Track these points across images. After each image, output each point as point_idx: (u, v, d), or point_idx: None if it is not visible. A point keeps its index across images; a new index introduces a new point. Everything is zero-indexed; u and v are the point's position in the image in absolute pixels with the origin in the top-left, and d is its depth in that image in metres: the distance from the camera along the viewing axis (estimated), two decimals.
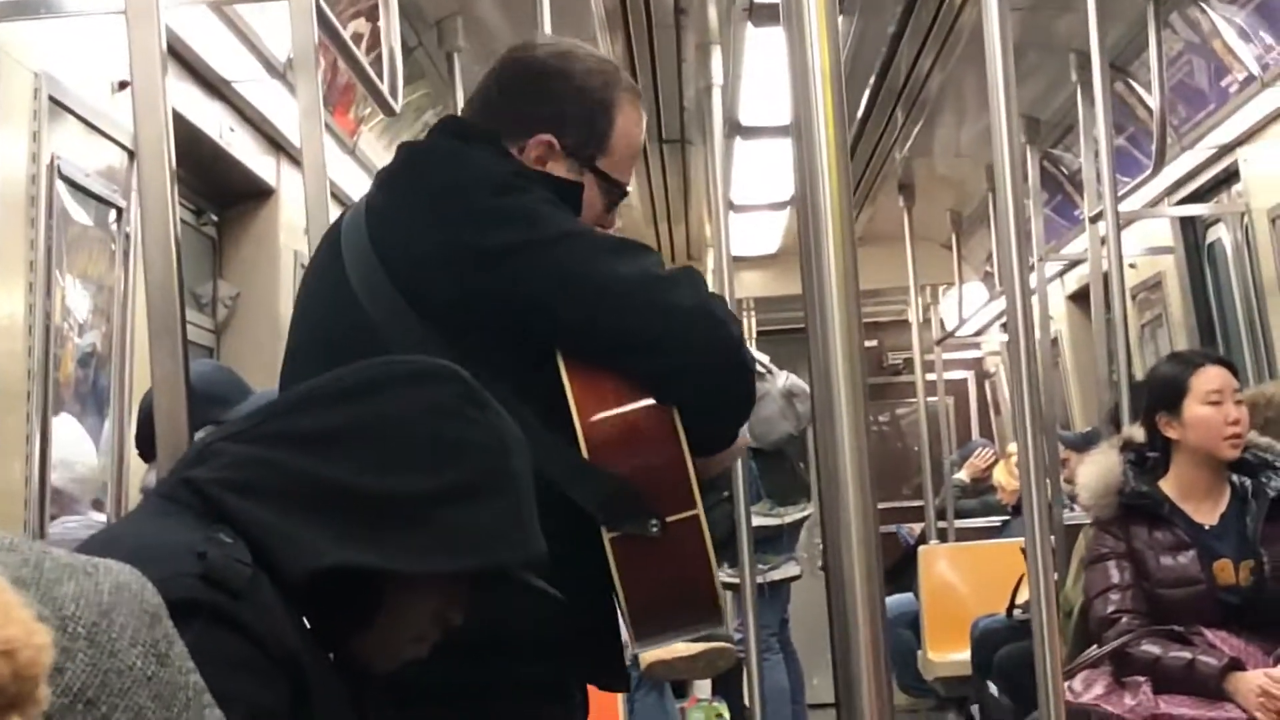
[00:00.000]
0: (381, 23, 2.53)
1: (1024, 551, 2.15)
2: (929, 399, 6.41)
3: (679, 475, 1.40)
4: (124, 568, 0.81)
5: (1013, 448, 4.66)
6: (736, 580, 3.05)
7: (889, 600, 4.56)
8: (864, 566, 0.88)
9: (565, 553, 1.18)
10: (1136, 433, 2.77)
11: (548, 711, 1.44)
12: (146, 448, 2.16)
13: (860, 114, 4.54)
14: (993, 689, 4.01)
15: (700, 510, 1.41)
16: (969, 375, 8.21)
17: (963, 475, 6.39)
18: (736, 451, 1.65)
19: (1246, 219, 3.81)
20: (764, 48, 3.69)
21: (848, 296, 0.88)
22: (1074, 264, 4.96)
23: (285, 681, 1.05)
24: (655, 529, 1.37)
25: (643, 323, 1.40)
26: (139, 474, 2.40)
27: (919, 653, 5.22)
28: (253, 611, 1.05)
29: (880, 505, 0.95)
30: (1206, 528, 2.56)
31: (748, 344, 2.57)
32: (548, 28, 2.57)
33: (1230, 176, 3.87)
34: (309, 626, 1.13)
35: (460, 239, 1.40)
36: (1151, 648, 2.45)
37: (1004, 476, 5.60)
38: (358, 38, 2.69)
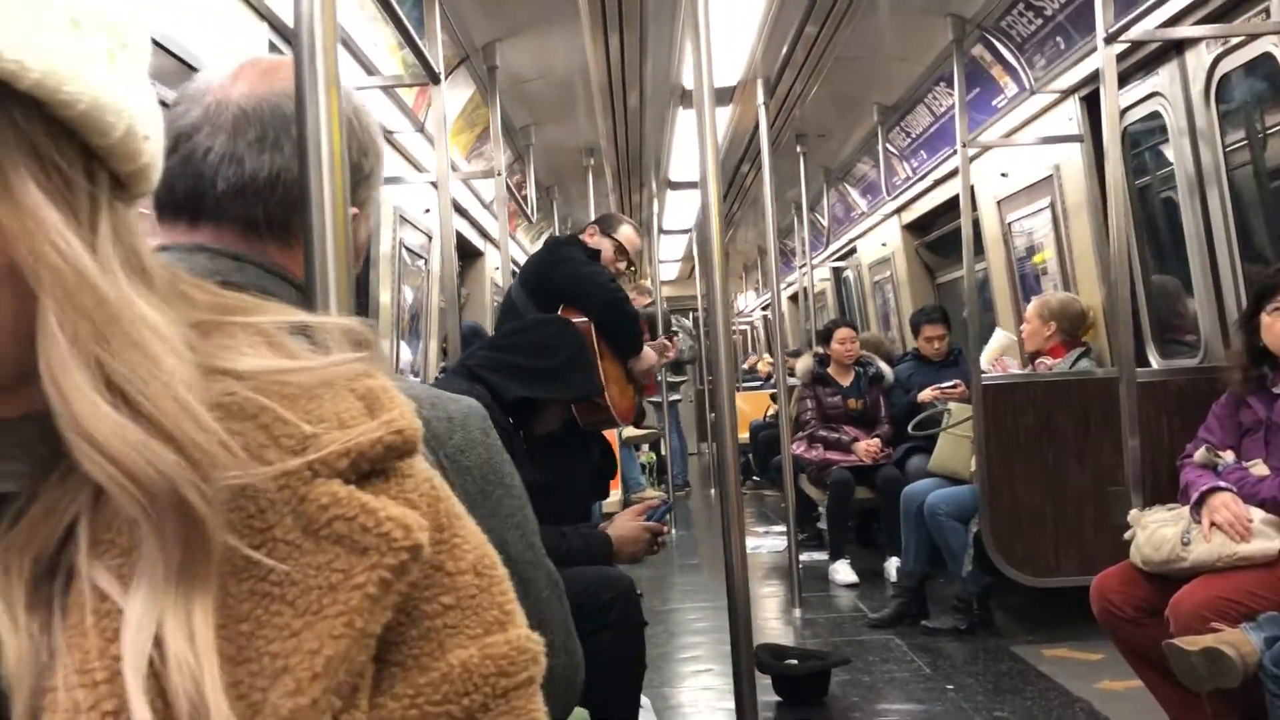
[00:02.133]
0: (529, 175, 6.16)
1: (772, 396, 6.02)
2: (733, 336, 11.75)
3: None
4: (471, 400, 1.16)
5: (766, 356, 9.73)
6: (659, 399, 7.06)
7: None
8: (729, 403, 2.51)
9: None
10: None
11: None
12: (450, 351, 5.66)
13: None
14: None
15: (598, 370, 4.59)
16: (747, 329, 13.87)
17: (744, 366, 11.92)
18: (654, 365, 4.98)
19: (859, 268, 8.12)
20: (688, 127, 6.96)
21: (725, 293, 4.37)
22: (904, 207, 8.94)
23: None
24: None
25: (586, 291, 3.53)
26: (434, 365, 5.94)
27: None
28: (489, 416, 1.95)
29: None
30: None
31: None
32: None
33: (852, 252, 8.22)
34: (512, 421, 2.64)
35: (542, 260, 3.81)
36: (822, 432, 6.33)
37: (763, 366, 10.81)
38: (519, 184, 6.30)
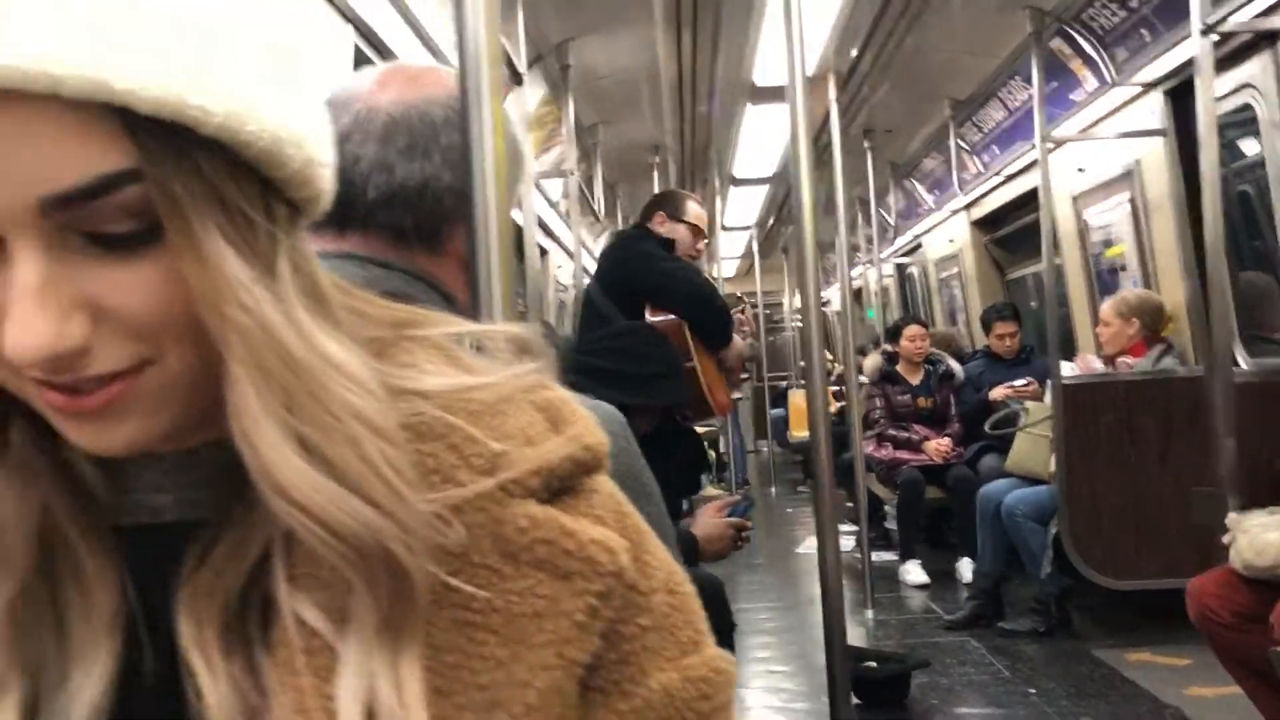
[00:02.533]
0: (596, 174, 6.16)
1: (835, 394, 6.00)
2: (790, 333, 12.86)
3: (685, 347, 3.93)
4: (609, 405, 1.08)
5: (828, 354, 10.19)
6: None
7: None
8: (821, 402, 2.58)
9: None
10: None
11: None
12: None
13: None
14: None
15: (697, 364, 3.68)
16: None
17: (802, 364, 12.55)
18: (738, 356, 4.91)
19: (925, 265, 8.00)
20: (756, 122, 6.65)
21: (816, 289, 4.33)
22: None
23: None
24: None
25: (672, 286, 3.40)
26: None
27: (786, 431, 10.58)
28: None
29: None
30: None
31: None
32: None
33: (916, 248, 8.10)
34: None
35: (617, 256, 3.67)
36: (891, 431, 6.26)
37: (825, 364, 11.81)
38: (587, 183, 6.31)
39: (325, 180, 0.57)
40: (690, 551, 2.84)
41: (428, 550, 0.53)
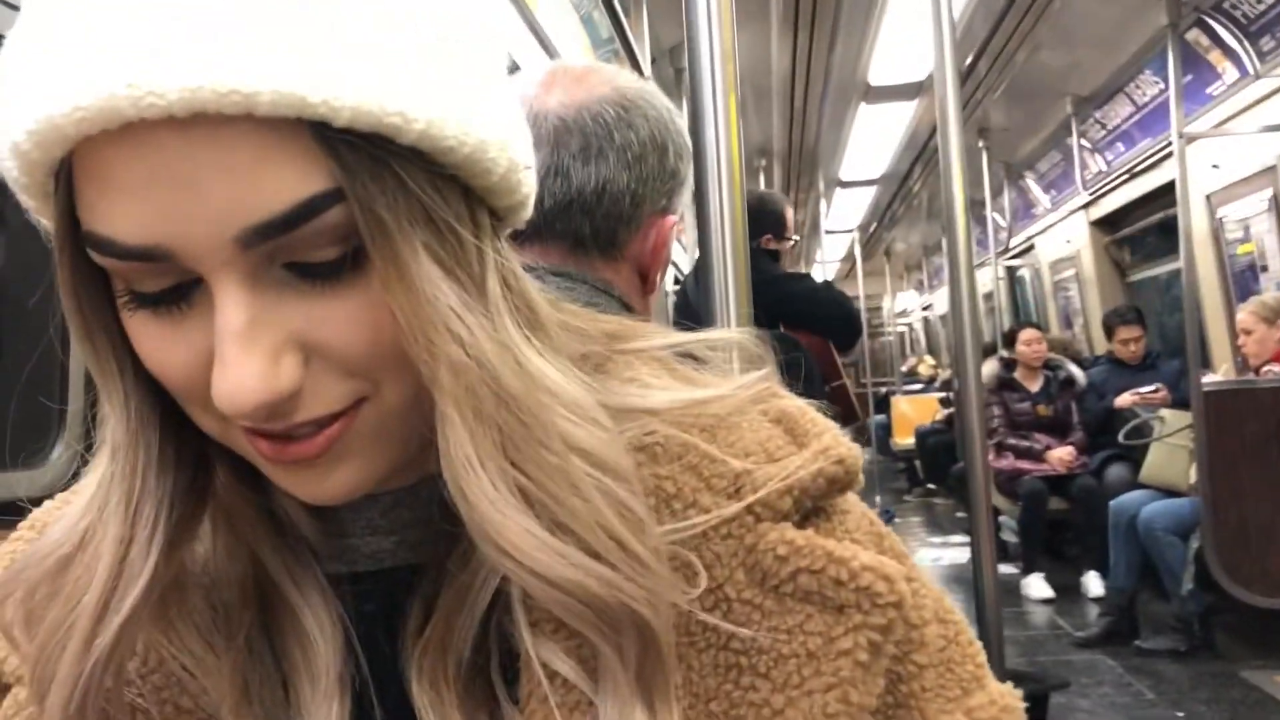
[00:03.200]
0: None
1: (942, 401, 5.81)
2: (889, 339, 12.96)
3: (835, 368, 3.98)
4: None
5: (927, 359, 10.15)
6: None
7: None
8: (978, 414, 3.03)
9: None
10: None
11: None
12: None
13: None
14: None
15: (846, 380, 4.30)
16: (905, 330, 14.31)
17: (904, 369, 12.89)
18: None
19: (1038, 267, 7.80)
20: (866, 123, 6.55)
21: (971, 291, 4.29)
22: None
23: None
24: (828, 389, 4.10)
25: (818, 309, 3.48)
26: None
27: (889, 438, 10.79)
28: None
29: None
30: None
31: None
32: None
33: (1028, 250, 7.88)
34: None
35: (760, 292, 4.61)
36: (1011, 440, 6.07)
37: (924, 369, 11.55)
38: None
39: (529, 185, 0.51)
40: None
41: (676, 596, 0.48)
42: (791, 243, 4.05)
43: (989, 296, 10.36)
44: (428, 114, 0.42)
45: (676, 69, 4.65)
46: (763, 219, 3.89)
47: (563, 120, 1.01)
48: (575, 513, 0.45)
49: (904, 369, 13.61)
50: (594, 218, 1.01)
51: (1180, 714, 3.86)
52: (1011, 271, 9.36)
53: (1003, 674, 2.82)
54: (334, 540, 0.53)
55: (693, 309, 3.72)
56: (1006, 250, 9.06)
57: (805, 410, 0.57)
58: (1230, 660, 4.42)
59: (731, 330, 0.63)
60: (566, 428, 0.47)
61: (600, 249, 1.03)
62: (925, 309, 15.17)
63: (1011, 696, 0.57)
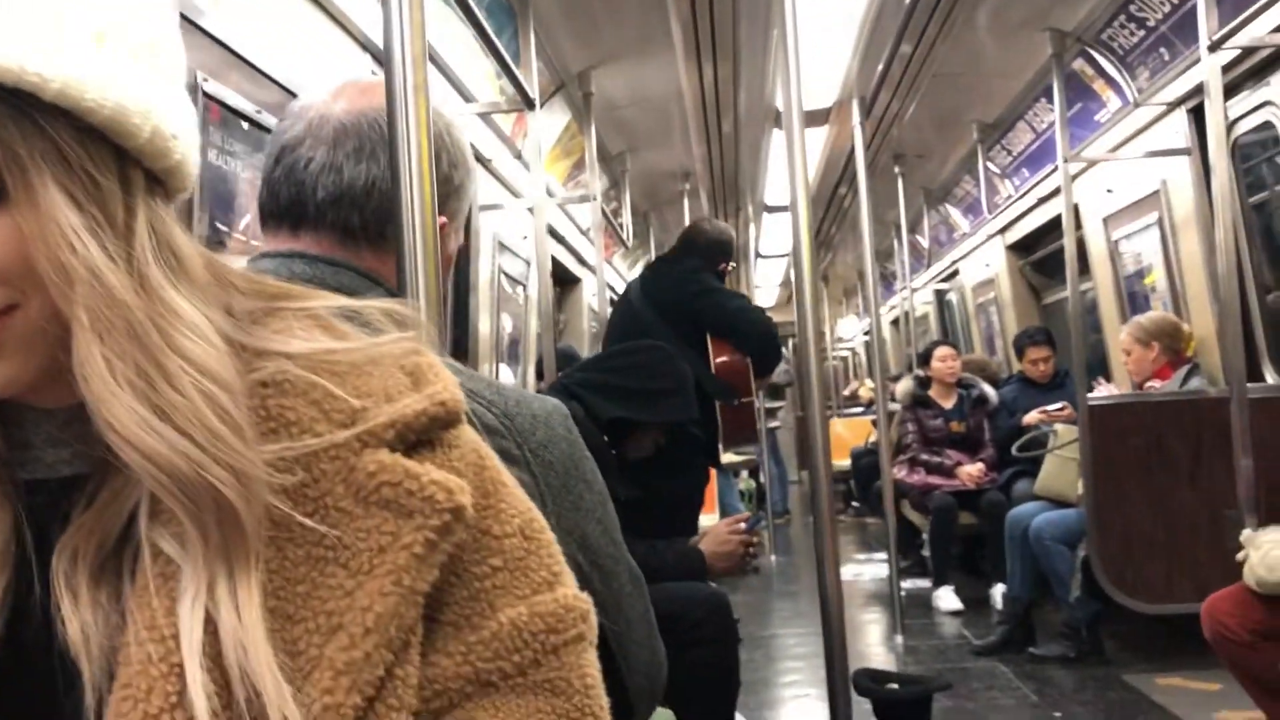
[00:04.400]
0: (624, 201, 6.23)
1: (874, 422, 5.95)
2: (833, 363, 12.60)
3: (747, 386, 4.00)
4: (555, 400, 1.21)
5: (867, 382, 9.84)
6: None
7: None
8: (821, 428, 2.43)
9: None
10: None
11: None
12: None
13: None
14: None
15: (755, 400, 4.28)
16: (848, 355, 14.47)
17: (845, 393, 13.10)
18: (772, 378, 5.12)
19: (962, 290, 8.00)
20: (784, 148, 6.99)
21: (815, 319, 4.39)
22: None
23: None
24: (737, 403, 4.14)
25: (745, 326, 3.82)
26: (532, 387, 6.03)
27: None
28: (583, 431, 1.64)
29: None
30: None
31: None
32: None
33: (955, 274, 8.12)
34: (607, 441, 2.59)
35: (684, 291, 3.84)
36: (924, 456, 6.22)
37: (864, 392, 11.03)
38: (615, 211, 6.37)
39: (180, 153, 0.62)
40: (699, 567, 2.86)
41: (264, 490, 0.58)
42: (733, 267, 4.27)
43: (923, 319, 10.59)
44: (64, 77, 0.54)
45: (584, 93, 4.79)
46: (720, 246, 4.09)
47: (343, 124, 1.13)
48: (175, 405, 0.56)
49: (845, 393, 13.81)
50: (363, 211, 1.12)
51: (1058, 714, 4.01)
52: (940, 295, 9.56)
53: (884, 677, 2.92)
54: (19, 450, 0.63)
55: (639, 319, 3.88)
56: (934, 275, 9.29)
57: (435, 365, 0.67)
58: (1115, 665, 4.57)
59: (387, 301, 0.72)
60: (182, 343, 0.58)
61: (369, 241, 1.13)
62: (866, 334, 15.40)
63: (578, 600, 0.68)
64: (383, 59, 1.13)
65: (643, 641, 1.30)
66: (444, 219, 1.21)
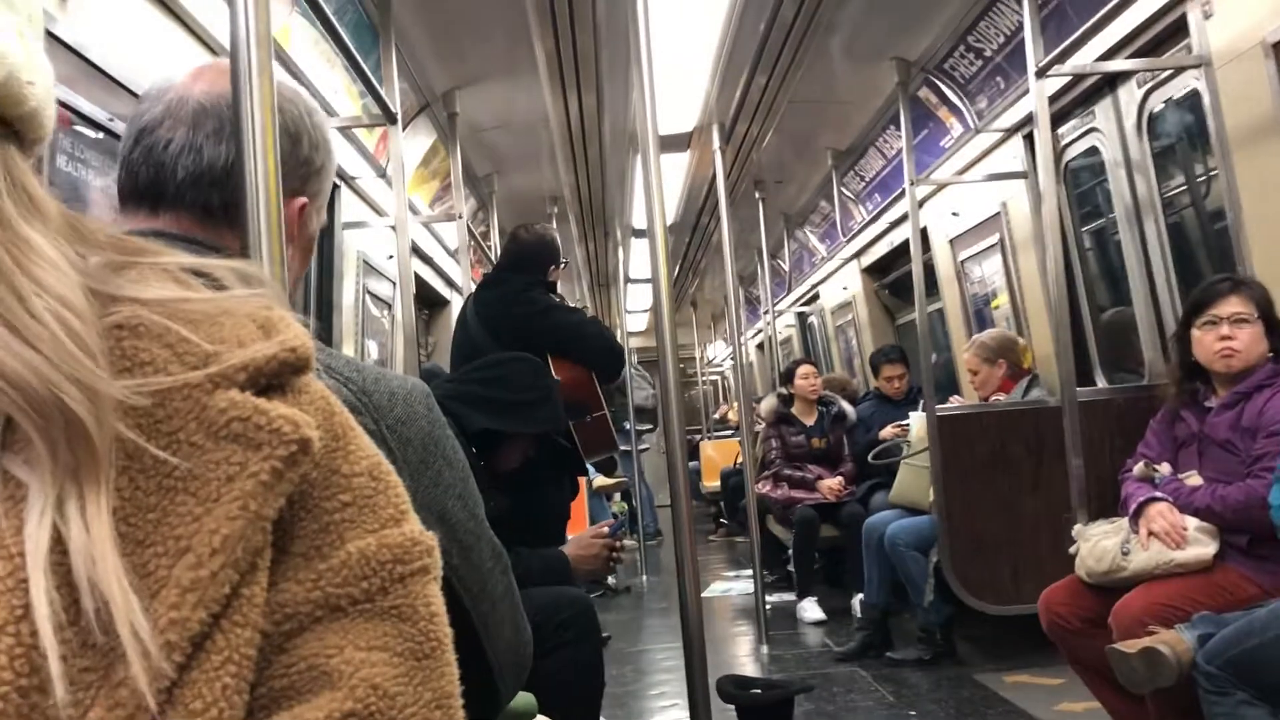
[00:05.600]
0: (492, 222, 6.25)
1: (740, 444, 6.08)
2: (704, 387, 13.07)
3: (596, 399, 4.07)
4: (416, 379, 1.23)
5: (736, 405, 10.37)
6: (628, 448, 7.15)
7: None
8: (679, 453, 2.50)
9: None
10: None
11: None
12: None
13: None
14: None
15: (606, 411, 4.20)
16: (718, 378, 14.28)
17: (716, 416, 13.14)
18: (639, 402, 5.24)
19: (823, 312, 8.25)
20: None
21: (673, 345, 3.63)
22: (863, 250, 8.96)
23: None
24: (589, 419, 3.95)
25: (581, 341, 3.82)
26: None
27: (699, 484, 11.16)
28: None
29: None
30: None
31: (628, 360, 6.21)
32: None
33: (816, 297, 8.36)
34: (475, 452, 2.70)
35: (515, 311, 3.80)
36: (787, 471, 6.39)
37: (733, 415, 11.36)
38: (484, 233, 6.39)
39: (37, 100, 0.66)
40: (564, 571, 2.91)
41: (115, 412, 0.61)
42: (563, 265, 4.26)
43: (786, 341, 10.86)
44: None
45: (449, 113, 4.82)
46: (543, 252, 4.10)
47: (202, 105, 1.15)
48: (28, 325, 0.59)
49: (716, 416, 14.02)
50: (223, 191, 1.14)
51: (913, 713, 4.17)
52: (803, 318, 9.84)
53: (748, 682, 3.01)
54: None
55: (475, 345, 3.89)
56: (796, 298, 9.55)
57: (286, 318, 0.71)
58: (967, 665, 4.77)
59: (235, 260, 0.76)
60: (37, 271, 0.61)
61: (229, 221, 1.15)
62: (732, 358, 15.75)
63: (424, 535, 0.72)
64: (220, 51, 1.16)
65: (506, 618, 1.34)
66: (305, 200, 1.24)
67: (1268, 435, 2.79)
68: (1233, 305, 2.93)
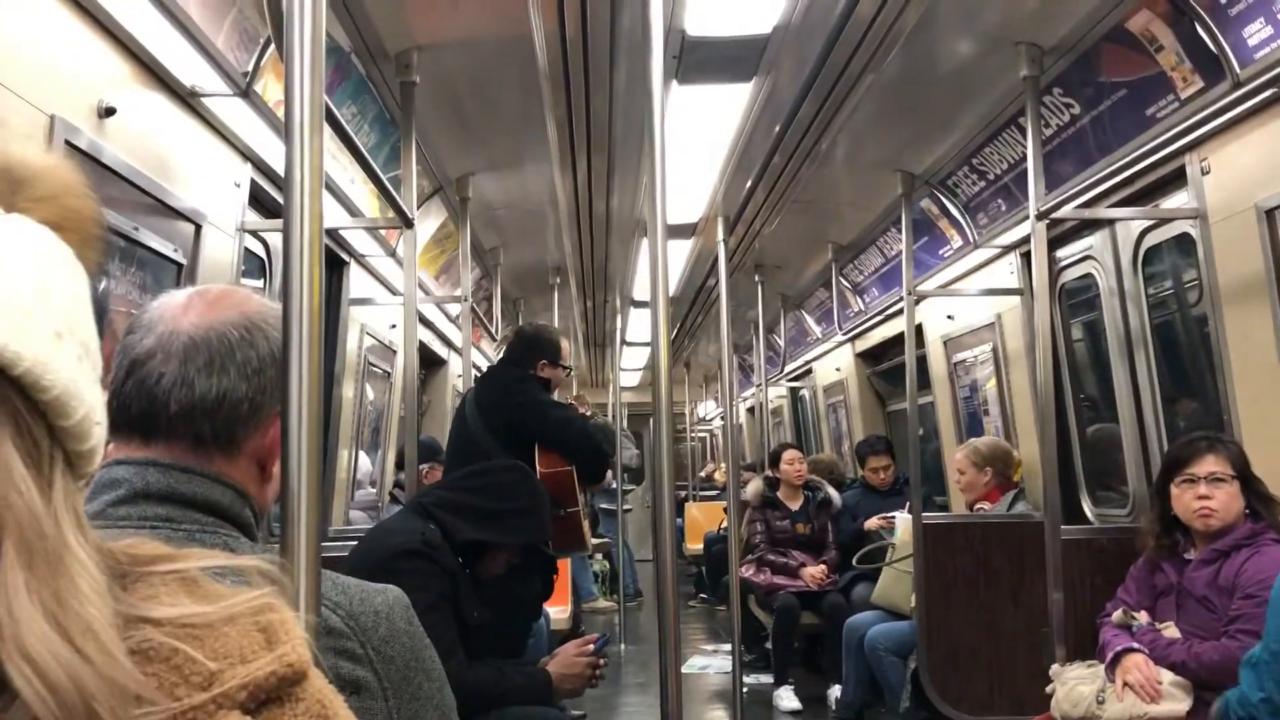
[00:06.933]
0: (495, 291, 6.33)
1: (725, 509, 6.14)
2: (692, 443, 12.68)
3: (573, 494, 3.95)
4: (397, 590, 1.27)
5: (723, 465, 10.18)
6: (612, 507, 7.22)
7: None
8: (669, 514, 2.13)
9: None
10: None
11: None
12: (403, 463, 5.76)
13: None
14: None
15: (580, 508, 4.03)
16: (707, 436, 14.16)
17: (702, 475, 13.41)
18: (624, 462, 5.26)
19: (815, 389, 8.29)
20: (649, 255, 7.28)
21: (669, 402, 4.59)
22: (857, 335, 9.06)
23: (449, 582, 2.60)
24: (562, 513, 3.88)
25: (567, 438, 3.99)
26: (390, 476, 6.04)
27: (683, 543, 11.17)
28: (440, 555, 2.57)
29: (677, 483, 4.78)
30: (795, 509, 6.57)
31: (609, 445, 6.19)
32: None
33: (808, 373, 8.43)
34: (462, 562, 2.78)
35: (505, 401, 4.07)
36: (770, 556, 6.43)
37: (719, 475, 11.53)
38: (486, 298, 6.48)
39: (98, 439, 0.74)
40: (546, 690, 2.95)
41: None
42: (566, 371, 4.36)
43: (777, 410, 10.94)
44: (32, 360, 0.66)
45: (461, 198, 4.91)
46: (539, 346, 4.20)
47: (193, 340, 1.20)
48: (93, 640, 0.65)
49: (702, 474, 14.04)
50: (214, 421, 1.20)
51: None
52: (794, 391, 9.93)
53: None
54: None
55: (475, 441, 3.95)
56: (788, 373, 9.64)
57: (287, 622, 0.77)
58: None
59: (256, 559, 0.83)
60: (83, 586, 0.67)
61: (220, 447, 1.21)
62: (722, 418, 15.82)
63: None
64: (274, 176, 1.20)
65: None
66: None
67: (1244, 597, 2.86)
68: (1210, 464, 3.01)
